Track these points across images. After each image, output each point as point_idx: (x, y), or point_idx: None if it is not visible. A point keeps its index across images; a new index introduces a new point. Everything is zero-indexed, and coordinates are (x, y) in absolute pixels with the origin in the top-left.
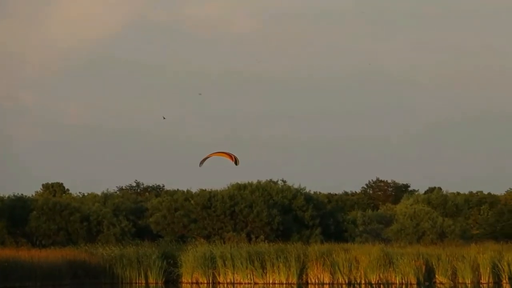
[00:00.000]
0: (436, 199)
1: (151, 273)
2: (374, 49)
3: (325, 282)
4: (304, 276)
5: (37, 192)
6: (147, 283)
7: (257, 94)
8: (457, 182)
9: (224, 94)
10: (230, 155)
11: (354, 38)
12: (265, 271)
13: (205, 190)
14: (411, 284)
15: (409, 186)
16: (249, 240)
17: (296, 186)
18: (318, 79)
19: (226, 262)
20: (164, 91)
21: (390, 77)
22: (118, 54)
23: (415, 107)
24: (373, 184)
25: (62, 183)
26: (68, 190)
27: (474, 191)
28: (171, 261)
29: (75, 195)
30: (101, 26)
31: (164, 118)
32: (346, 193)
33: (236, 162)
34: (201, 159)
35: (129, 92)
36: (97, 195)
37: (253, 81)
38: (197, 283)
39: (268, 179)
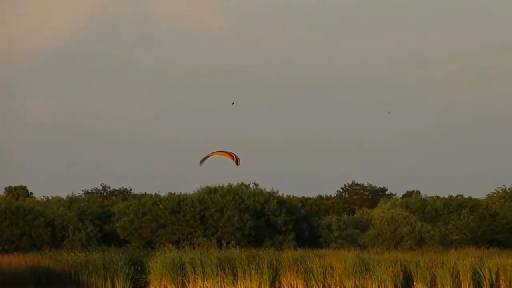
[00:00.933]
0: (414, 203)
1: (118, 280)
2: (345, 47)
3: None
4: (276, 283)
5: None
6: None
7: (228, 91)
8: (436, 185)
9: (192, 91)
10: (231, 155)
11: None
12: (236, 278)
13: (174, 193)
14: None
15: (386, 190)
16: (220, 245)
17: (268, 189)
18: (291, 78)
19: (196, 269)
20: (132, 88)
21: (365, 78)
22: (85, 48)
23: (392, 109)
24: (349, 188)
25: (25, 186)
26: (31, 193)
27: (454, 195)
28: (139, 268)
29: (39, 199)
30: (67, 20)
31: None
32: (320, 197)
33: (237, 162)
34: (202, 158)
35: (96, 90)
36: (62, 198)
37: (222, 77)
38: None
39: (240, 183)
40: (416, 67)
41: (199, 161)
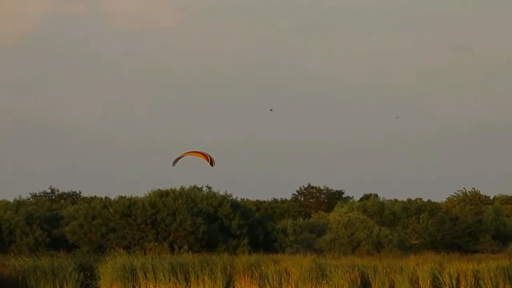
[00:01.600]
0: (372, 206)
1: (66, 286)
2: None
3: None
4: None
5: None
6: None
7: (182, 91)
8: (394, 188)
9: (146, 90)
10: (205, 155)
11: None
12: (189, 284)
13: (125, 197)
14: None
15: (343, 193)
16: (172, 250)
17: (222, 192)
18: (250, 78)
19: (147, 274)
20: (83, 85)
21: (326, 79)
22: (36, 47)
23: (351, 110)
24: (305, 191)
25: None
26: None
27: (413, 198)
28: (88, 273)
29: None
30: (19, 19)
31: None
32: (275, 200)
33: (211, 163)
34: (175, 159)
35: (43, 87)
36: (9, 202)
37: (177, 76)
38: None
39: (192, 185)
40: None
41: (172, 162)
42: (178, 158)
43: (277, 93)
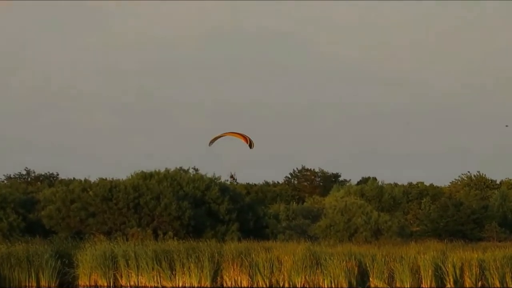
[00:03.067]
0: (370, 191)
1: (43, 275)
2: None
3: (243, 285)
4: (218, 278)
5: None
6: (38, 286)
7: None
8: (394, 171)
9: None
10: (244, 137)
11: None
12: (174, 273)
13: (106, 179)
14: None
15: (339, 176)
16: (156, 237)
17: (209, 175)
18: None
19: (129, 262)
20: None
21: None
22: None
23: (347, 88)
24: (298, 174)
25: None
26: None
27: (414, 182)
28: (66, 261)
29: None
30: None
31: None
32: (267, 184)
33: (250, 145)
34: (212, 138)
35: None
36: None
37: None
38: (95, 286)
39: (178, 167)
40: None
41: (209, 141)
42: (216, 138)
43: (270, 67)
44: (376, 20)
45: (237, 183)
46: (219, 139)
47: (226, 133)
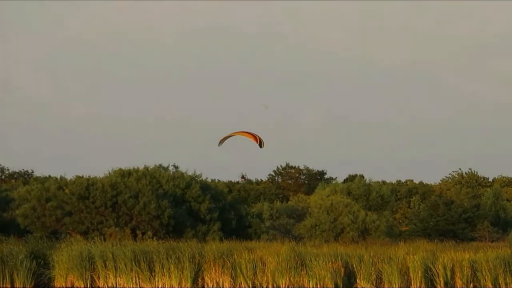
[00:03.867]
0: (357, 189)
1: (17, 276)
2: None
3: (224, 287)
4: (199, 280)
5: None
6: (13, 287)
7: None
8: (382, 169)
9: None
10: (254, 136)
11: None
12: (153, 274)
13: (82, 177)
14: None
15: (325, 173)
16: (135, 237)
17: (190, 172)
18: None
19: (107, 263)
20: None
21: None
22: None
23: (333, 84)
24: (282, 171)
25: None
26: None
27: (403, 180)
28: (42, 262)
29: None
30: None
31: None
32: (250, 182)
33: (260, 144)
34: (221, 138)
35: None
36: None
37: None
38: (72, 287)
39: (157, 164)
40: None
41: (218, 141)
42: (225, 138)
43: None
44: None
45: (248, 181)
46: (229, 139)
47: (236, 132)
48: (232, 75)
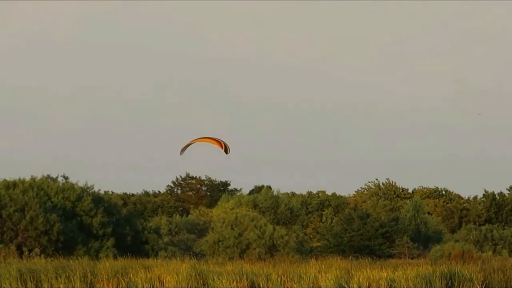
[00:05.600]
0: (264, 201)
1: None
2: None
3: None
4: None
5: None
6: None
7: None
8: (291, 179)
9: None
10: (219, 142)
11: None
12: None
13: None
14: None
15: (229, 185)
16: (21, 254)
17: (81, 184)
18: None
19: None
20: None
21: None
22: None
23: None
24: (182, 182)
25: None
26: None
27: (314, 191)
28: None
29: None
30: None
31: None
32: (146, 193)
33: (226, 150)
34: (183, 146)
35: None
36: None
37: None
38: None
39: (45, 175)
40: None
41: (180, 150)
42: (187, 146)
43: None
44: None
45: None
46: (190, 146)
47: (198, 138)
48: None
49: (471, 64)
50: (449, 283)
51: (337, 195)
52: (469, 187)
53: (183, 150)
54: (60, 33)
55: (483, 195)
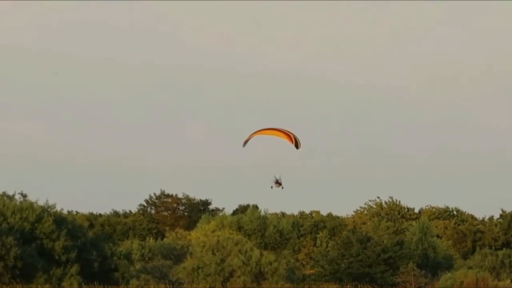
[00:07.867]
0: (250, 222)
1: None
2: None
3: None
4: None
5: None
6: None
7: None
8: (284, 198)
9: None
10: (288, 135)
11: None
12: None
13: None
14: None
15: (209, 203)
16: None
17: (41, 202)
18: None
19: None
20: None
21: None
22: None
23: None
24: (157, 200)
25: None
26: None
27: (307, 211)
28: None
29: None
30: None
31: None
32: (116, 213)
33: (297, 145)
34: (246, 138)
35: None
36: None
37: None
38: None
39: (1, 192)
40: None
41: (243, 142)
42: (250, 137)
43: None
44: None
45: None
46: (253, 138)
47: (263, 129)
48: None
49: None
50: None
51: (333, 215)
52: (484, 206)
53: (245, 142)
54: None
55: (500, 215)
